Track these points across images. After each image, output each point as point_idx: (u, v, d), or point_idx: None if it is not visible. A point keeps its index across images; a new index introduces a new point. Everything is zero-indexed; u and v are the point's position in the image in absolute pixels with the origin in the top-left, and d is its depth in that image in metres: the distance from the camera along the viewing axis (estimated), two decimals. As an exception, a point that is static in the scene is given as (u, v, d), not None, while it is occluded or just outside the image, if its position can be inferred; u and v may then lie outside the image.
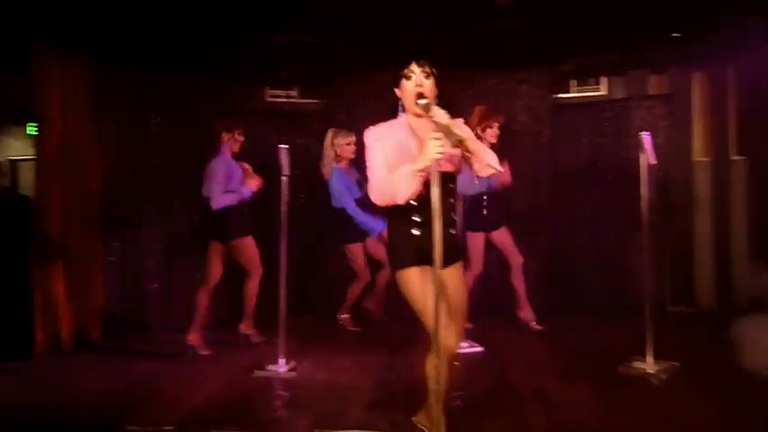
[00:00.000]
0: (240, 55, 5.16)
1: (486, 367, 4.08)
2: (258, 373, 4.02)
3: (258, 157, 5.35)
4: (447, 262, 2.36)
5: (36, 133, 4.72)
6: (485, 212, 4.86)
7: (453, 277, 2.44)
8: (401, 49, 4.68)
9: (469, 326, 4.74)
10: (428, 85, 2.37)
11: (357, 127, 5.80)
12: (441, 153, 2.13)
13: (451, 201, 2.46)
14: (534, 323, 5.02)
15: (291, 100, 6.03)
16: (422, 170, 2.23)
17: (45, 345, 4.51)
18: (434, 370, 2.36)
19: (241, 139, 4.70)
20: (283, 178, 4.08)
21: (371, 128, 2.50)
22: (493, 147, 4.36)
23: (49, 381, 3.96)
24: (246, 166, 4.69)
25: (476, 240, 4.87)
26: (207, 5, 4.06)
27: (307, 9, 4.17)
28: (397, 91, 2.45)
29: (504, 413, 2.47)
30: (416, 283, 2.39)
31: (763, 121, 5.39)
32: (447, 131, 2.15)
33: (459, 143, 2.20)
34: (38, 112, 4.55)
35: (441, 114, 2.24)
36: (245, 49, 4.99)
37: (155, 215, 5.33)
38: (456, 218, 2.47)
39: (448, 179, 2.41)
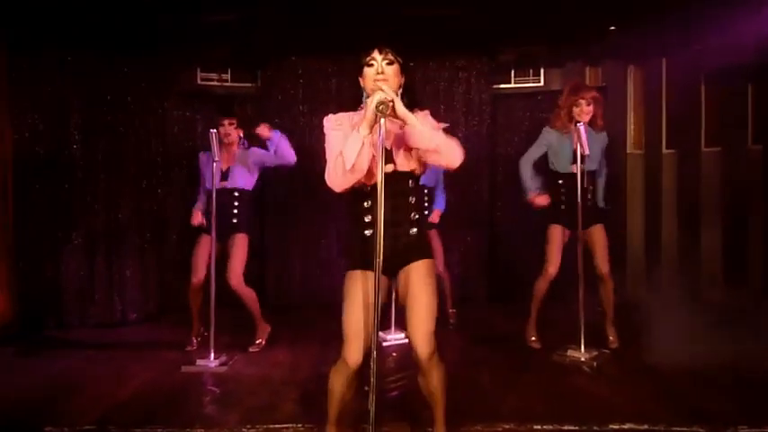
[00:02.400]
0: (169, 34, 5.00)
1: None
2: (186, 368, 3.95)
3: (188, 142, 5.24)
4: (402, 262, 2.38)
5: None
6: (562, 207, 4.27)
7: (412, 277, 2.38)
8: (333, 33, 4.66)
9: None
10: (390, 73, 2.33)
11: (293, 111, 5.84)
12: (383, 101, 2.17)
13: (411, 200, 2.40)
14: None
15: (224, 83, 5.90)
16: (370, 125, 2.22)
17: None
18: (338, 383, 2.40)
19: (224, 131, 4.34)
20: (214, 164, 4.01)
21: (330, 115, 2.47)
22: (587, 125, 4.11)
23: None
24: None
25: (551, 234, 4.34)
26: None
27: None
28: (360, 80, 2.40)
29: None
30: (351, 288, 2.39)
31: (692, 115, 5.69)
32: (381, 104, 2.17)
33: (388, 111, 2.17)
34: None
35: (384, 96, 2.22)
36: (173, 27, 4.84)
37: (74, 203, 5.11)
38: (416, 217, 2.39)
39: (407, 177, 2.39)
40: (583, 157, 4.08)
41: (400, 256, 2.37)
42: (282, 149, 4.29)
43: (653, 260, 5.96)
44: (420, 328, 2.35)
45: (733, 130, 5.42)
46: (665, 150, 5.95)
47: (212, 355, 4.01)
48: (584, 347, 4.04)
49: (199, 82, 5.89)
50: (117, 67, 5.25)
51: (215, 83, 5.88)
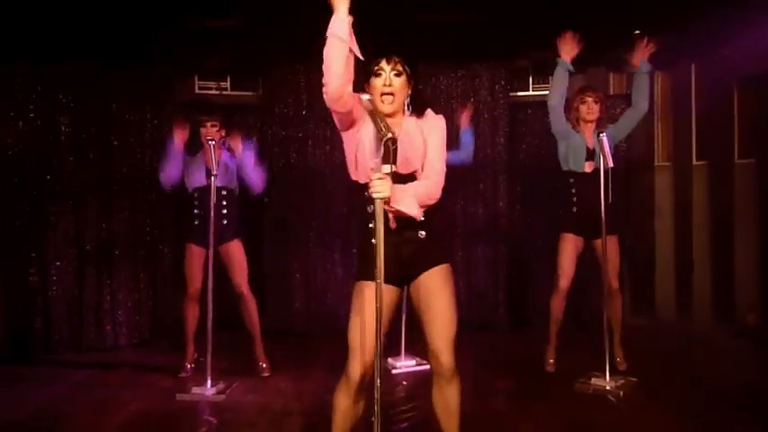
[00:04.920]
0: (165, 40, 5.04)
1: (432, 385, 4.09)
2: (181, 396, 3.93)
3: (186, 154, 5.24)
4: (412, 272, 2.40)
5: None
6: (574, 210, 4.38)
7: (429, 284, 2.41)
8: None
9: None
10: (398, 85, 2.39)
11: (296, 121, 5.86)
12: (383, 196, 2.21)
13: None
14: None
15: (224, 92, 5.93)
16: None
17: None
18: (340, 398, 2.42)
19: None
20: (212, 177, 4.02)
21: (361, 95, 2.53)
22: (590, 123, 4.33)
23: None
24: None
25: (562, 244, 4.41)
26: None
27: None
28: (366, 88, 2.45)
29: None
30: (357, 299, 2.42)
31: (724, 124, 5.65)
32: (380, 124, 2.19)
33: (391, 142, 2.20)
34: None
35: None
36: (170, 33, 4.88)
37: (64, 222, 5.13)
38: (422, 220, 2.38)
39: (407, 179, 2.40)
40: (593, 154, 4.26)
41: (408, 266, 2.37)
42: (250, 172, 4.37)
43: (683, 279, 5.91)
44: (443, 334, 2.37)
45: (768, 140, 5.37)
46: (695, 162, 5.91)
47: (209, 382, 3.98)
48: (609, 375, 3.98)
49: (197, 91, 5.91)
50: (109, 76, 5.29)
51: (214, 92, 5.91)
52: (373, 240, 2.33)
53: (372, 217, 2.36)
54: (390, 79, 2.38)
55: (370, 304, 2.34)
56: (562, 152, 4.40)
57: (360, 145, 2.39)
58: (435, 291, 2.40)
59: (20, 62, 4.97)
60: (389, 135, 2.16)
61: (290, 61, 5.71)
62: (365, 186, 2.34)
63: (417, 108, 2.48)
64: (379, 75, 2.39)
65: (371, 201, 2.35)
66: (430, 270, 2.41)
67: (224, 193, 4.36)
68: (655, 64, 4.51)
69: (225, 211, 4.36)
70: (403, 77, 2.41)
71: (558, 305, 4.37)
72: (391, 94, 2.37)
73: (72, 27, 4.59)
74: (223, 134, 4.45)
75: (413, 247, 2.39)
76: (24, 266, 5.02)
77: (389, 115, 2.39)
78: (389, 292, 2.38)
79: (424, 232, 2.41)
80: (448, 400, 2.43)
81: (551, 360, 4.43)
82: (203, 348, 4.09)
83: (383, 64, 2.40)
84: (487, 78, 5.92)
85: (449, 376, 2.39)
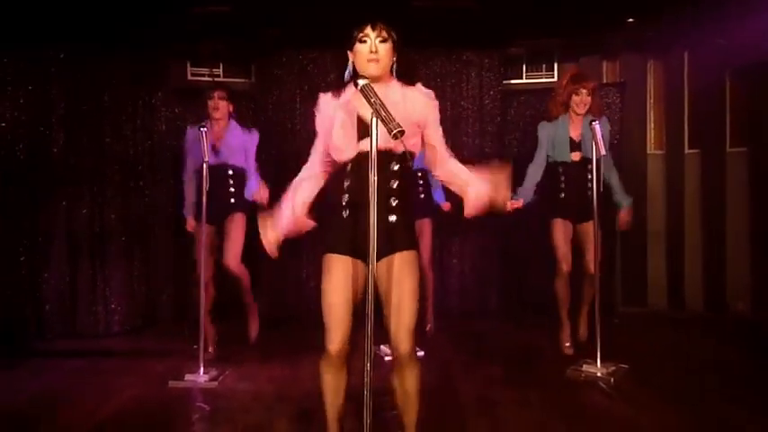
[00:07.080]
0: (159, 26, 5.00)
1: (426, 372, 4.08)
2: (174, 383, 3.93)
3: (176, 141, 5.22)
4: (383, 252, 2.35)
5: None
6: (562, 195, 4.42)
7: (394, 270, 2.39)
8: (334, 23, 4.64)
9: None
10: (384, 51, 2.36)
11: (289, 108, 5.83)
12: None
13: (394, 184, 2.38)
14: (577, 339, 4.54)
15: (216, 78, 5.89)
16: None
17: None
18: (327, 375, 2.47)
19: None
20: (203, 164, 3.99)
21: (322, 94, 2.50)
22: (580, 115, 4.29)
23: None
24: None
25: (553, 229, 4.45)
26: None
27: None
28: (349, 54, 2.42)
29: (446, 422, 2.51)
30: (329, 273, 2.43)
31: (716, 112, 5.66)
32: (383, 116, 2.13)
33: (398, 134, 2.10)
34: None
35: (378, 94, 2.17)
36: (164, 19, 4.84)
37: (56, 207, 5.11)
38: (396, 203, 2.37)
39: (390, 159, 2.35)
40: (579, 144, 4.31)
41: (381, 246, 2.27)
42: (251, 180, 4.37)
43: (675, 267, 5.94)
44: (404, 323, 2.37)
45: (760, 129, 5.39)
46: (687, 150, 5.93)
47: (201, 369, 3.98)
48: (601, 361, 4.00)
49: (189, 77, 5.88)
50: (101, 62, 5.25)
51: (206, 78, 5.86)
52: (343, 214, 2.40)
53: (347, 206, 2.39)
54: (376, 46, 2.34)
55: (340, 277, 2.39)
56: (545, 155, 4.42)
57: (337, 128, 2.39)
58: (399, 277, 2.38)
59: (12, 47, 4.92)
60: (400, 129, 2.09)
61: (283, 48, 5.68)
62: (345, 166, 2.39)
63: (404, 76, 2.45)
64: (364, 41, 2.36)
65: (347, 190, 2.38)
66: (397, 254, 2.39)
67: (230, 172, 4.34)
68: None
69: (232, 189, 4.36)
70: (389, 44, 2.37)
71: (562, 289, 4.45)
72: (377, 60, 2.34)
73: (65, 12, 4.55)
74: (231, 108, 4.41)
75: (382, 229, 2.28)
76: (16, 253, 5.00)
77: (375, 79, 2.31)
78: (360, 266, 2.40)
79: (394, 217, 2.38)
80: (406, 383, 2.44)
81: (567, 343, 4.48)
82: (196, 336, 4.09)
83: (368, 30, 2.36)
84: (479, 66, 5.90)
85: (407, 361, 2.42)
